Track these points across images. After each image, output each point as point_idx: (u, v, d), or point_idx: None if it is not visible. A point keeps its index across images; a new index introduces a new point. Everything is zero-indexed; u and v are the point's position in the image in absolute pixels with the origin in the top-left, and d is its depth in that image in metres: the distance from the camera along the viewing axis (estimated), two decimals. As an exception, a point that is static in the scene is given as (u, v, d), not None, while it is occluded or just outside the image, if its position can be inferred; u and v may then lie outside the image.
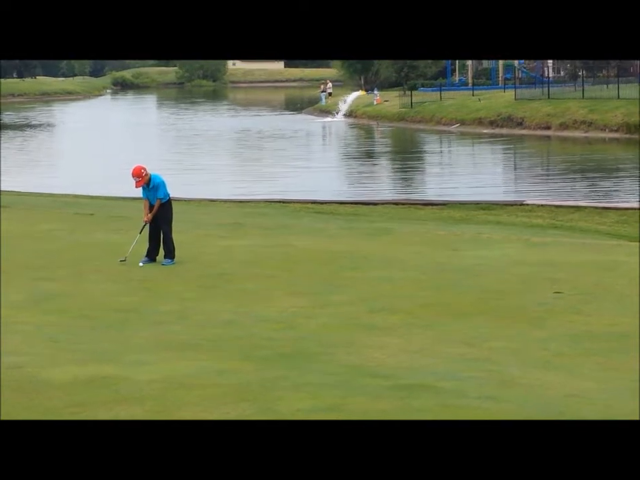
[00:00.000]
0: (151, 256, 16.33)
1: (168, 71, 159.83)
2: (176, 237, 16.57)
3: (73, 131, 70.08)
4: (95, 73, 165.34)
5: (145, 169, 16.48)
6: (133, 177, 16.43)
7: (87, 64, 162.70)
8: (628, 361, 10.11)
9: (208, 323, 11.94)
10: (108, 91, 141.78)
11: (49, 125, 77.34)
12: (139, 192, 16.99)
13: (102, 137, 63.18)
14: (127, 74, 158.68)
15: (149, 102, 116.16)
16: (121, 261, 16.15)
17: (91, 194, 32.62)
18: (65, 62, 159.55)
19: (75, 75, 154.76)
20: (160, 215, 16.49)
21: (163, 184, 16.54)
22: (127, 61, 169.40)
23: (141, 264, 16.13)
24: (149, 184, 16.48)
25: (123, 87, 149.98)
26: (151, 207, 16.52)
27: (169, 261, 16.20)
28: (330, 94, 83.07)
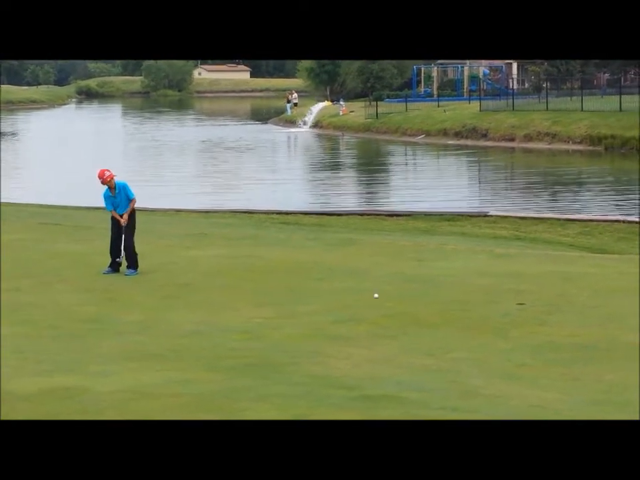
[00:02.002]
0: (114, 266, 16.24)
1: (133, 80, 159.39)
2: (140, 247, 16.52)
3: (36, 140, 69.70)
4: (60, 82, 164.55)
5: (109, 170, 16.45)
6: (101, 177, 16.34)
7: (52, 73, 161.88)
8: (589, 372, 10.20)
9: (172, 333, 11.90)
10: (72, 100, 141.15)
11: (12, 133, 76.85)
12: (101, 201, 16.87)
13: (65, 147, 62.87)
14: (92, 83, 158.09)
15: (114, 111, 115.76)
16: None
17: (54, 204, 32.47)
18: (29, 70, 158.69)
19: (40, 84, 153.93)
20: (128, 225, 16.38)
21: (128, 186, 16.54)
22: (92, 70, 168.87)
23: (104, 272, 16.07)
24: (115, 189, 16.39)
25: (87, 95, 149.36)
26: (120, 215, 16.43)
27: (132, 271, 16.13)
28: (296, 104, 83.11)
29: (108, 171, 16.44)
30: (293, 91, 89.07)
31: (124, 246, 16.28)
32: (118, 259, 16.24)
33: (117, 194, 16.42)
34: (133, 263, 16.21)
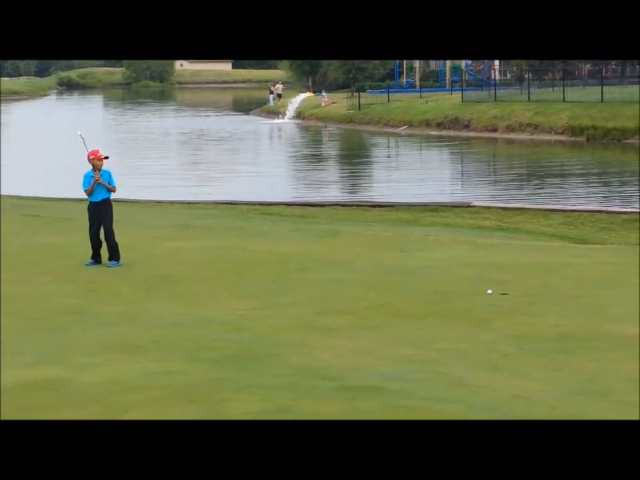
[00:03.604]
0: (97, 258, 16.17)
1: (114, 72, 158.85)
2: (122, 238, 16.46)
3: (15, 131, 69.37)
4: (40, 73, 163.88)
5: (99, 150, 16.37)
6: (94, 155, 16.15)
7: (32, 64, 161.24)
8: (572, 362, 10.22)
9: (154, 325, 11.86)
10: (53, 91, 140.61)
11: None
12: (82, 193, 16.72)
13: (44, 138, 62.57)
14: (73, 74, 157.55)
15: (95, 102, 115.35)
16: None
17: (34, 195, 32.34)
18: (9, 62, 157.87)
19: (20, 75, 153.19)
20: (106, 214, 16.20)
21: (112, 175, 16.42)
22: (73, 61, 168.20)
23: (86, 264, 16.01)
24: (99, 173, 16.15)
25: (68, 87, 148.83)
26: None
27: (115, 262, 16.06)
28: (279, 95, 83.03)
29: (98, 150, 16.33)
30: (279, 82, 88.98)
31: (104, 237, 16.15)
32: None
33: (100, 175, 16.18)
34: (114, 254, 16.14)
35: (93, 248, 16.18)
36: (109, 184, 16.25)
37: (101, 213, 16.22)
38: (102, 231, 16.21)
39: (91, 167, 16.22)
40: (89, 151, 16.29)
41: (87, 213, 16.39)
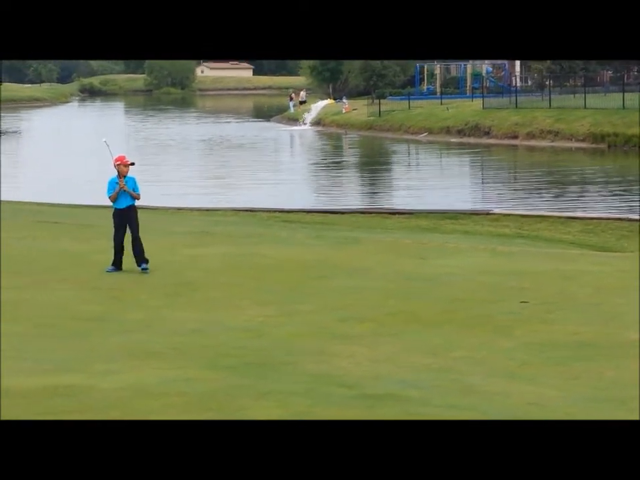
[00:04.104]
0: (118, 265, 16.26)
1: (136, 78, 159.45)
2: (143, 245, 16.51)
3: (37, 138, 69.69)
4: (62, 80, 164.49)
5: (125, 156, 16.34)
6: (120, 161, 16.12)
7: (55, 70, 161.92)
8: (590, 370, 10.20)
9: (174, 332, 11.91)
10: (75, 97, 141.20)
11: (13, 131, 76.86)
12: (101, 200, 16.78)
13: (66, 145, 62.84)
14: (95, 81, 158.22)
15: (116, 109, 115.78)
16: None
17: (54, 202, 32.46)
18: (32, 68, 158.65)
19: (42, 82, 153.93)
20: (132, 221, 16.16)
21: (136, 182, 16.40)
22: (95, 68, 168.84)
23: (107, 270, 16.09)
24: (124, 180, 16.11)
25: (90, 93, 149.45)
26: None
27: (146, 265, 16.06)
28: (304, 102, 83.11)
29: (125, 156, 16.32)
30: (303, 89, 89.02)
31: (132, 243, 16.09)
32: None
33: (127, 184, 16.13)
34: (143, 259, 16.10)
35: (115, 254, 16.20)
36: (134, 191, 16.26)
37: (126, 219, 16.21)
38: (126, 238, 16.21)
39: (116, 173, 16.22)
40: (115, 156, 16.29)
41: (111, 219, 16.44)
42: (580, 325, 12.32)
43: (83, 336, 11.62)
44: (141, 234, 16.47)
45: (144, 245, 16.34)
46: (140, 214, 16.81)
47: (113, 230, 16.34)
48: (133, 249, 16.16)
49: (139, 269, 16.07)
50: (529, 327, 12.25)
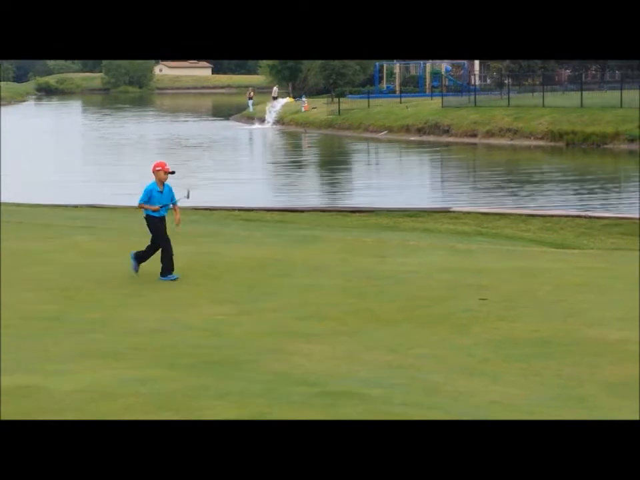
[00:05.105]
0: (170, 271, 15.37)
1: (93, 77, 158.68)
2: (101, 245, 16.37)
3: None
4: (19, 79, 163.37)
5: (166, 163, 15.63)
6: (161, 167, 15.40)
7: (11, 69, 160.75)
8: (550, 367, 10.21)
9: (131, 331, 11.80)
10: (32, 96, 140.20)
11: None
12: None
13: (22, 144, 62.30)
14: (51, 79, 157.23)
15: (73, 108, 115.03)
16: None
17: (16, 202, 32.16)
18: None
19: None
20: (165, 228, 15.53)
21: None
22: (51, 67, 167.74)
23: (167, 279, 15.31)
24: (163, 186, 15.51)
25: (47, 92, 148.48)
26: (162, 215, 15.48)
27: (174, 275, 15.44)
28: (276, 97, 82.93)
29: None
30: (275, 86, 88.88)
31: (168, 250, 15.38)
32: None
33: (164, 192, 15.51)
34: (171, 267, 15.42)
35: (168, 261, 15.35)
36: (171, 201, 15.62)
37: (165, 226, 15.51)
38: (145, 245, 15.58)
39: (155, 179, 15.48)
40: (156, 162, 15.63)
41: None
42: (539, 322, 12.33)
43: (39, 336, 11.47)
44: (99, 233, 16.33)
45: (102, 244, 16.18)
46: (98, 213, 16.66)
47: (152, 239, 15.56)
48: (169, 256, 15.39)
49: (173, 276, 15.30)
50: (489, 324, 12.25)
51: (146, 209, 15.54)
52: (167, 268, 15.37)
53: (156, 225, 15.51)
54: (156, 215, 15.50)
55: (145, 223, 15.72)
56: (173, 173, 15.61)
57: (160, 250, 15.48)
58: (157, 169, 15.51)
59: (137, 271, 15.53)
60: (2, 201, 31.90)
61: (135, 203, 16.00)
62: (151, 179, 15.55)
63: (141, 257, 15.66)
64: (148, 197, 15.47)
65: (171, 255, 15.38)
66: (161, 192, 15.52)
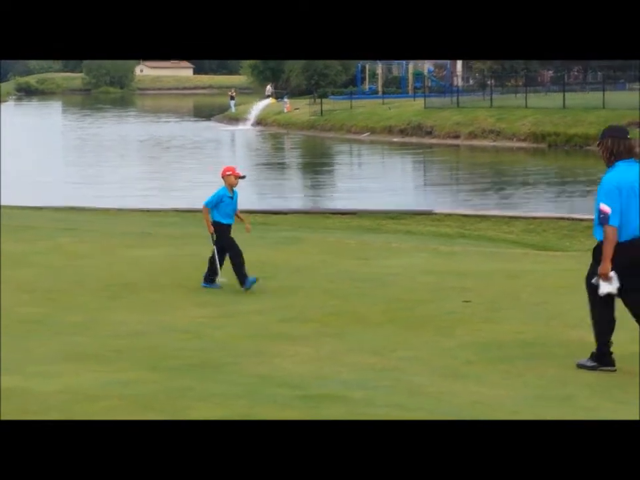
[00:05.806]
0: (245, 276, 14.81)
1: (74, 77, 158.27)
2: (82, 247, 16.32)
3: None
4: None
5: (236, 168, 15.26)
6: (233, 172, 14.97)
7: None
8: (533, 368, 10.23)
9: (114, 334, 11.75)
10: (12, 97, 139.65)
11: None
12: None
13: (3, 145, 62.05)
14: (32, 80, 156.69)
15: (54, 108, 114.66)
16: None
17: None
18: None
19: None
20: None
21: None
22: (32, 67, 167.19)
23: (220, 281, 15.02)
24: (233, 193, 15.09)
25: (27, 93, 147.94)
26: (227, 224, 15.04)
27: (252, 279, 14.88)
28: (269, 96, 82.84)
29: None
30: (269, 84, 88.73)
31: (231, 259, 14.94)
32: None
33: (234, 198, 15.11)
34: (244, 274, 14.83)
35: (240, 267, 14.86)
36: (236, 205, 15.14)
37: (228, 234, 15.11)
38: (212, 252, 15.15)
39: (225, 184, 15.05)
40: (225, 166, 15.30)
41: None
42: (522, 324, 12.35)
43: (21, 338, 11.41)
44: (80, 235, 16.27)
45: (84, 246, 16.11)
46: (79, 215, 16.59)
47: (219, 248, 15.08)
48: (236, 264, 14.87)
49: (251, 280, 14.78)
50: (472, 326, 12.26)
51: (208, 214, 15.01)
52: (240, 274, 14.74)
53: (224, 232, 15.01)
54: (224, 221, 15.06)
55: (210, 230, 15.09)
56: (243, 177, 15.21)
57: (221, 257, 14.93)
58: (227, 173, 15.04)
59: (250, 283, 14.71)
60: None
61: (116, 205, 15.97)
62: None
63: (212, 272, 15.05)
64: (217, 202, 14.99)
65: (242, 262, 14.81)
66: (232, 198, 15.12)
